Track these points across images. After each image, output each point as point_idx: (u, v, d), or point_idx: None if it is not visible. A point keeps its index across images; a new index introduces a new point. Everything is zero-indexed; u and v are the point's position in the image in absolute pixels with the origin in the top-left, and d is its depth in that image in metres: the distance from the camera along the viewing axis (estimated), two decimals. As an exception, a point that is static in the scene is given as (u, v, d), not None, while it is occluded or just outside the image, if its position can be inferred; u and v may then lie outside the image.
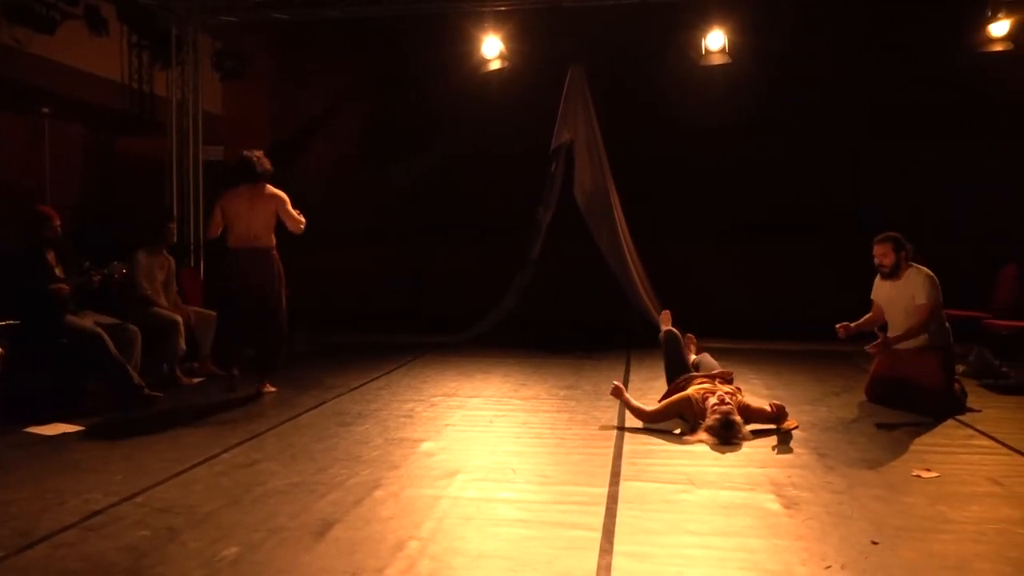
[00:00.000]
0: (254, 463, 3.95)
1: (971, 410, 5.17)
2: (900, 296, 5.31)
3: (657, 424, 4.64)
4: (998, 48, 7.92)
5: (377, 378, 6.41)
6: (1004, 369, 6.26)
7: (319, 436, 4.50)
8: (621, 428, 4.66)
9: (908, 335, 5.20)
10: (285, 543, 2.90)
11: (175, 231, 6.67)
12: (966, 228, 8.18)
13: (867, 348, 5.31)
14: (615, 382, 4.93)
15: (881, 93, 8.79)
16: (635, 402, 4.74)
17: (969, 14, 7.96)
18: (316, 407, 5.30)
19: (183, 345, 6.09)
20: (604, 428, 4.67)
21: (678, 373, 5.11)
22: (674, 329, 5.54)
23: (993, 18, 7.83)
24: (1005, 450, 4.23)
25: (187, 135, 8.71)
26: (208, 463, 3.94)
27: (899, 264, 5.31)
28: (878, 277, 5.48)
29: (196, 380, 6.25)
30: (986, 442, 4.40)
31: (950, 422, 4.86)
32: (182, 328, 6.07)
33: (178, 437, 4.49)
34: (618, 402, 5.41)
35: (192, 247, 8.67)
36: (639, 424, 4.67)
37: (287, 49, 9.88)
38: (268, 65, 9.81)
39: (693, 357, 5.65)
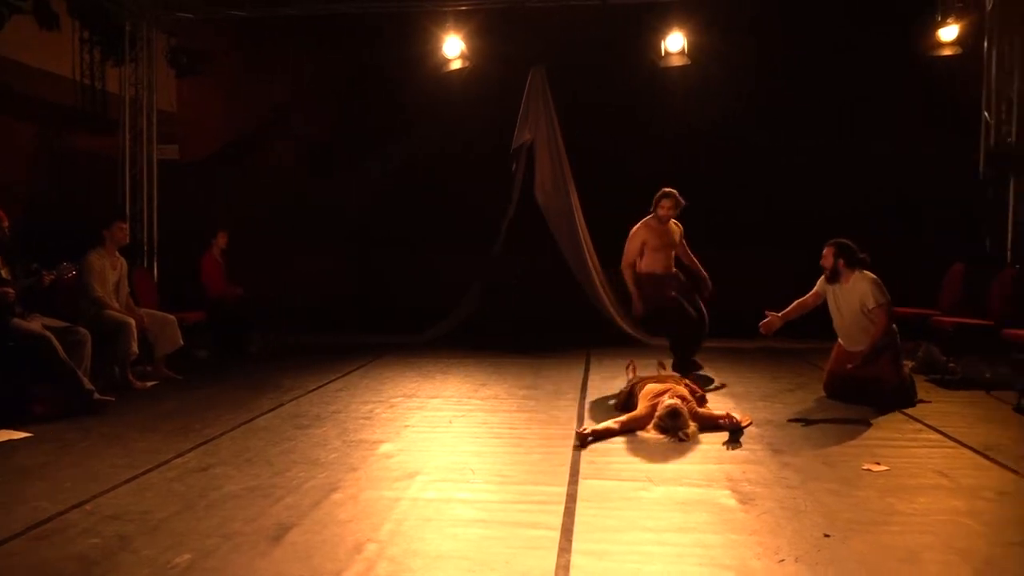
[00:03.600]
0: (208, 468, 3.88)
1: (922, 401, 5.35)
2: (845, 302, 5.46)
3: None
4: (948, 52, 8.14)
5: (335, 380, 6.36)
6: (951, 365, 6.44)
7: (275, 439, 4.45)
8: (581, 427, 4.67)
9: (877, 342, 5.30)
10: (240, 548, 2.85)
11: (128, 231, 6.54)
12: (916, 227, 8.37)
13: (761, 325, 5.62)
14: (577, 431, 4.43)
15: (837, 96, 8.94)
16: (600, 427, 4.58)
17: (921, 19, 8.18)
18: (273, 410, 5.23)
19: (135, 348, 5.97)
20: (564, 427, 4.68)
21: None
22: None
23: (943, 23, 8.05)
24: (951, 443, 4.35)
25: (141, 133, 8.55)
26: (160, 468, 3.87)
27: (837, 269, 5.46)
28: (824, 277, 5.61)
29: (149, 384, 6.15)
30: (933, 436, 4.52)
31: (899, 416, 4.99)
32: (134, 331, 5.95)
33: (129, 442, 4.39)
34: (577, 401, 5.47)
35: (146, 248, 8.52)
36: (599, 425, 4.69)
37: (246, 47, 9.72)
38: (226, 63, 9.63)
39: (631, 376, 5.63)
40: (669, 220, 6.28)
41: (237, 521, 3.12)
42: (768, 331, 5.63)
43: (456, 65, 8.52)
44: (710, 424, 4.53)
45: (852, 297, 5.41)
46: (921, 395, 5.48)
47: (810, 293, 5.72)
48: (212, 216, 8.65)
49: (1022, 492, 3.52)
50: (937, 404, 5.36)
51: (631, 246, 6.32)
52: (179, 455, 4.10)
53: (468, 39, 8.44)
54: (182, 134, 9.57)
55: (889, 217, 8.51)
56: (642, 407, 4.63)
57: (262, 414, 5.10)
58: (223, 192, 9.39)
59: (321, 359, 7.36)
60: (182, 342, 6.55)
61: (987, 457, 4.04)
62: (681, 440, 4.28)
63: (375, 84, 9.50)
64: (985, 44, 8.20)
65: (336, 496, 3.43)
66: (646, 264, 6.31)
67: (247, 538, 2.95)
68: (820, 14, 8.63)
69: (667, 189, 6.25)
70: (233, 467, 3.89)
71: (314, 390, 5.91)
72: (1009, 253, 7.91)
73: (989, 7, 8.10)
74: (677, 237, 6.41)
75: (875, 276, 5.38)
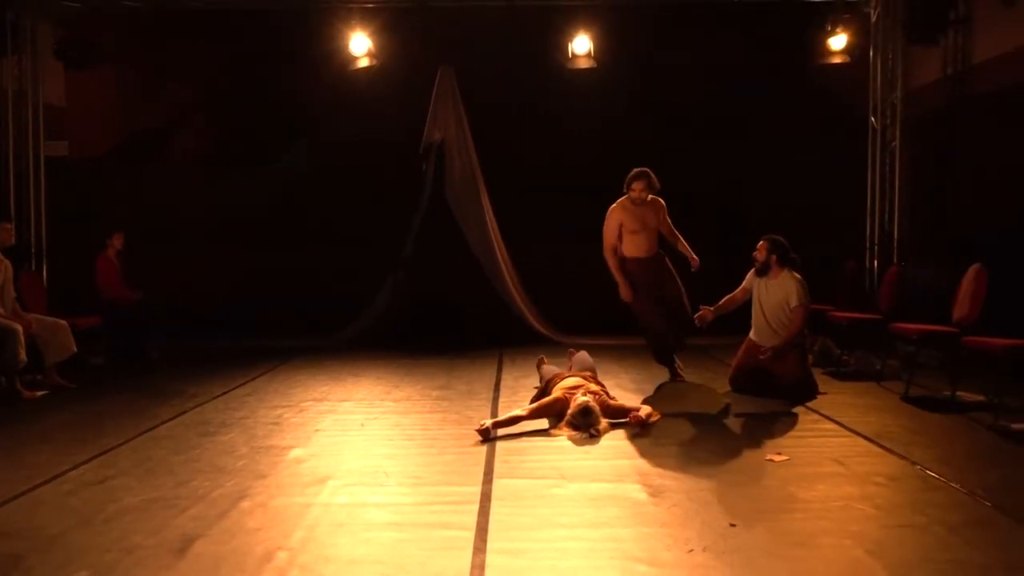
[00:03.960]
0: (106, 480, 3.70)
1: (820, 393, 5.62)
2: (770, 296, 5.69)
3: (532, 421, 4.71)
4: (837, 60, 8.56)
5: (242, 384, 6.17)
6: (845, 358, 6.79)
7: (179, 448, 4.28)
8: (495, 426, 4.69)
9: (790, 337, 5.55)
10: (142, 563, 2.73)
11: (12, 232, 6.17)
12: (812, 228, 8.75)
13: (695, 318, 5.77)
14: (477, 428, 4.46)
15: (736, 100, 9.24)
16: (504, 417, 4.64)
17: (812, 28, 8.58)
18: (175, 417, 5.03)
19: (24, 356, 5.64)
20: (478, 427, 4.68)
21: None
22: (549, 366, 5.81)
23: (833, 33, 8.47)
24: (846, 432, 4.58)
25: (26, 128, 8.08)
26: (54, 482, 3.67)
27: (768, 264, 5.68)
28: (753, 271, 5.82)
29: (39, 393, 5.81)
30: (830, 426, 4.75)
31: (799, 408, 5.22)
32: (22, 337, 5.62)
33: (19, 455, 4.15)
34: (491, 400, 5.49)
35: (33, 249, 8.05)
36: (504, 416, 4.72)
37: (143, 40, 9.26)
38: (121, 56, 9.15)
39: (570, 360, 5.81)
40: (643, 202, 5.93)
41: (138, 534, 2.99)
42: (702, 323, 5.77)
43: (363, 63, 8.41)
44: (622, 415, 4.63)
45: (777, 293, 5.64)
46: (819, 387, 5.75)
47: (739, 288, 5.91)
48: (107, 216, 8.25)
49: (911, 477, 3.73)
50: (833, 395, 5.63)
51: (608, 229, 6.01)
52: (74, 467, 3.90)
53: (375, 37, 8.34)
54: (73, 130, 9.08)
55: (784, 217, 8.86)
56: (555, 394, 4.71)
57: (164, 422, 4.89)
58: (119, 191, 8.97)
59: (227, 364, 7.13)
60: (75, 348, 6.23)
61: (879, 444, 4.28)
62: (592, 436, 4.36)
63: (281, 81, 9.25)
64: (871, 53, 8.68)
65: (244, 504, 3.33)
66: (627, 248, 6.01)
67: (149, 552, 2.82)
68: (720, 21, 8.92)
69: (639, 169, 5.91)
70: (133, 478, 3.72)
71: (219, 396, 5.72)
72: (896, 252, 8.39)
73: (874, 18, 8.57)
74: (658, 217, 6.05)
75: (801, 277, 5.63)
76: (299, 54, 8.81)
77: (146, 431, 4.66)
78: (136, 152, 9.40)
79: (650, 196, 5.95)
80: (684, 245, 6.15)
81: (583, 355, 5.65)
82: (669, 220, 6.15)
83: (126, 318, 7.53)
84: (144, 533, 3.00)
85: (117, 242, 7.75)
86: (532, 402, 5.12)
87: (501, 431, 4.46)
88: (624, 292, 6.02)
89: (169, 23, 8.90)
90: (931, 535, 2.98)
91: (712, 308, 5.80)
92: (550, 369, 5.59)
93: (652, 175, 5.89)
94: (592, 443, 4.29)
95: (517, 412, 4.62)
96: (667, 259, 6.13)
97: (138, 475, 3.77)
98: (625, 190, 5.95)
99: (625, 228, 5.97)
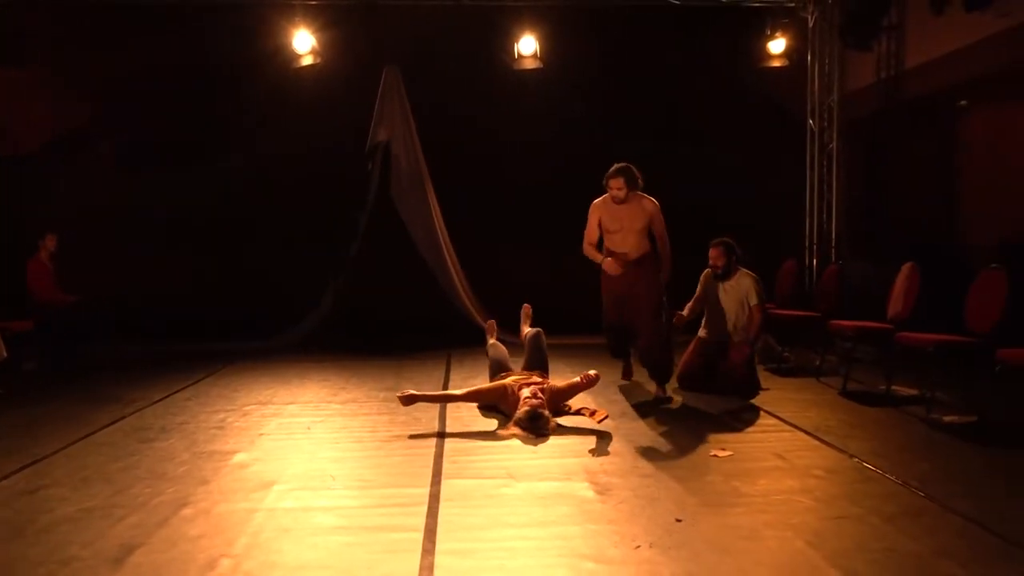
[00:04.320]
0: (38, 489, 3.58)
1: (765, 389, 5.74)
2: (730, 297, 5.79)
3: (474, 403, 4.84)
4: (776, 64, 8.77)
5: (183, 388, 6.03)
6: (785, 354, 6.95)
7: (117, 455, 4.16)
8: (443, 426, 4.68)
9: (751, 334, 5.68)
10: (78, 575, 2.65)
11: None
12: (752, 228, 8.93)
13: (673, 321, 5.80)
14: (398, 394, 4.77)
15: (678, 102, 9.37)
16: (436, 393, 4.72)
17: (752, 32, 8.76)
18: (113, 423, 4.89)
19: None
20: (425, 428, 4.66)
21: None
22: (499, 343, 5.80)
23: (772, 37, 8.67)
24: (787, 427, 4.69)
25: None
26: (-17, 493, 3.54)
27: (730, 267, 5.79)
28: (708, 273, 5.90)
29: (-32, 401, 5.59)
30: (771, 421, 4.87)
31: (741, 404, 5.33)
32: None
33: (-55, 466, 3.98)
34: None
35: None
36: (460, 423, 4.71)
37: (75, 33, 8.94)
38: (51, 50, 8.82)
39: (527, 329, 5.87)
40: (623, 200, 5.38)
41: (73, 545, 2.90)
42: (680, 324, 5.84)
43: (307, 61, 8.29)
44: (573, 391, 4.78)
45: (737, 292, 5.75)
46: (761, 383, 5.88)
47: (698, 291, 5.99)
48: (39, 217, 7.97)
49: (848, 469, 3.85)
50: (774, 391, 5.77)
51: (588, 223, 5.57)
52: (5, 477, 3.76)
53: (319, 34, 8.24)
54: (1, 128, 8.74)
55: (724, 217, 9.02)
56: (503, 383, 4.78)
57: (100, 428, 4.75)
58: (51, 191, 8.67)
59: (167, 368, 6.95)
60: (6, 354, 6.01)
61: (818, 438, 4.39)
62: (542, 434, 4.38)
63: (222, 78, 9.05)
64: (808, 57, 8.90)
65: (186, 511, 3.25)
66: (605, 248, 5.61)
67: (85, 563, 2.74)
68: (662, 24, 9.04)
69: (618, 165, 5.36)
70: (68, 487, 3.60)
71: (159, 401, 5.58)
72: (833, 251, 8.63)
73: (811, 23, 8.80)
74: (645, 218, 5.44)
75: (755, 275, 5.76)
76: (241, 51, 8.63)
77: (82, 438, 4.52)
78: (68, 151, 9.09)
79: (633, 193, 5.41)
80: (664, 257, 5.61)
81: (538, 338, 5.53)
82: (662, 222, 5.53)
83: (60, 322, 7.29)
84: (80, 544, 2.91)
85: (50, 244, 7.51)
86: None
87: (450, 415, 4.47)
88: (608, 266, 5.46)
89: (104, 17, 8.62)
90: (867, 525, 3.07)
91: (684, 312, 5.90)
92: (500, 352, 5.58)
93: (634, 171, 5.36)
94: (540, 442, 4.31)
95: (453, 392, 4.68)
96: (653, 267, 5.57)
97: (73, 484, 3.66)
98: (604, 187, 5.46)
99: (604, 228, 5.54)
